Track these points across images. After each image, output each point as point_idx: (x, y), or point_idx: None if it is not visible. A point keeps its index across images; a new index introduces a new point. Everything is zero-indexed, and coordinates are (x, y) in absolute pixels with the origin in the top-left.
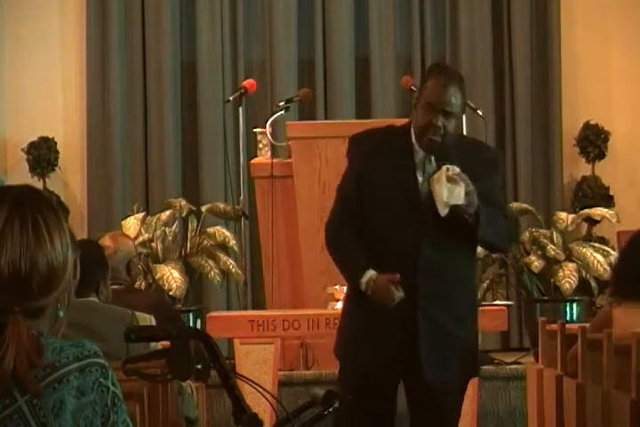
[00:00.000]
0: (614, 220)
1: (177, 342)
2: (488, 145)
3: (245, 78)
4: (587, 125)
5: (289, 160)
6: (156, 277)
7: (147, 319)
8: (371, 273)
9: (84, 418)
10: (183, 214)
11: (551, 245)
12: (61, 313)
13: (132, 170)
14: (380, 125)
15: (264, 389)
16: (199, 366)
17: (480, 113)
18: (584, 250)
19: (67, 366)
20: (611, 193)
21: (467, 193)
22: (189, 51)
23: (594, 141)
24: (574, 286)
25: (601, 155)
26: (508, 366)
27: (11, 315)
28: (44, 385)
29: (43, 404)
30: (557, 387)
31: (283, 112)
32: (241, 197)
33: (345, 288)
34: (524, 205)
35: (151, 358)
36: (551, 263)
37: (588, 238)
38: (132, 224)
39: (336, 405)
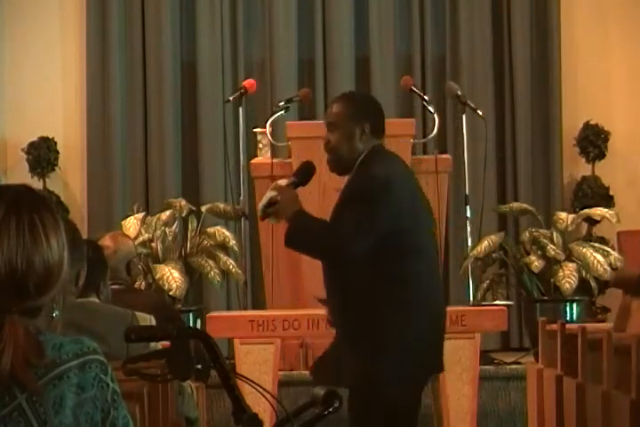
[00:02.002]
0: (614, 220)
1: (177, 342)
2: (367, 174)
3: (245, 78)
4: (587, 125)
5: (289, 160)
6: (156, 277)
7: (147, 319)
8: None
9: (85, 414)
10: (183, 214)
11: (551, 245)
12: (57, 313)
13: (132, 170)
14: None
15: (264, 389)
16: (199, 366)
17: (480, 113)
18: (584, 250)
19: (67, 362)
20: (611, 193)
21: (274, 202)
22: (189, 51)
23: (594, 141)
24: (574, 286)
25: (601, 155)
26: (507, 366)
27: (7, 315)
28: (45, 382)
29: (43, 401)
30: (557, 387)
31: (283, 112)
32: (241, 197)
33: None
34: (524, 205)
35: (151, 358)
36: (551, 263)
37: (588, 238)
38: (131, 224)
39: (336, 405)
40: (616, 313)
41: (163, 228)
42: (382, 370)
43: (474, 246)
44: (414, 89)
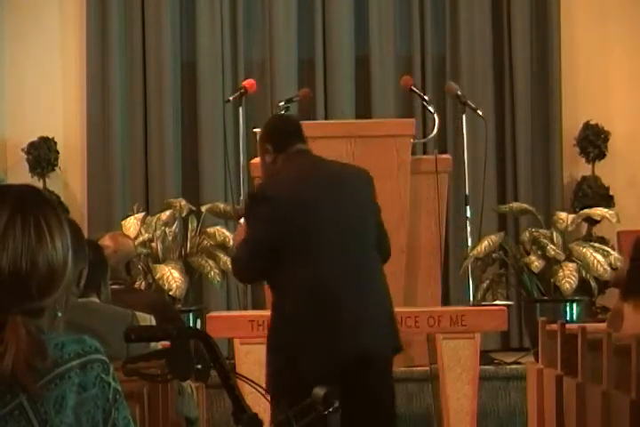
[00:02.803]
0: (614, 220)
1: (177, 342)
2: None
3: (245, 78)
4: (587, 125)
5: None
6: (156, 277)
7: (147, 319)
8: None
9: (86, 413)
10: (183, 214)
11: (551, 245)
12: (59, 314)
13: (132, 170)
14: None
15: (264, 389)
16: (199, 366)
17: (480, 113)
18: (584, 250)
19: (68, 362)
20: (611, 193)
21: None
22: (189, 51)
23: (594, 141)
24: (574, 286)
25: (601, 155)
26: (508, 366)
27: (10, 315)
28: (47, 381)
29: (44, 400)
30: (557, 387)
31: (283, 112)
32: (241, 197)
33: None
34: (524, 205)
35: (151, 358)
36: (551, 263)
37: (588, 238)
38: (132, 224)
39: (336, 405)
40: (609, 314)
41: (163, 228)
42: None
43: (474, 246)
44: (414, 89)
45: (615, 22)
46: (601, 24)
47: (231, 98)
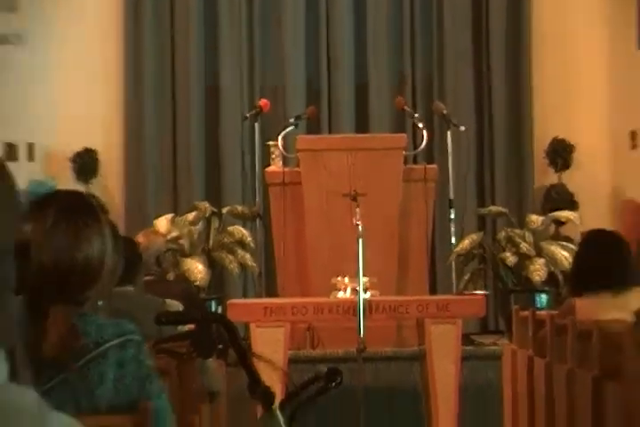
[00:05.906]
0: (578, 222)
1: (201, 326)
2: None
3: (260, 98)
4: (555, 140)
5: (298, 169)
6: (183, 269)
7: (175, 306)
8: None
9: (124, 386)
10: (207, 215)
11: (524, 243)
12: (100, 303)
13: (163, 177)
14: None
15: (276, 365)
16: (220, 346)
17: (462, 129)
18: (552, 247)
19: (108, 342)
20: (575, 199)
21: None
22: (213, 76)
23: (561, 154)
24: (543, 279)
25: (567, 165)
26: (486, 347)
27: (52, 306)
28: (90, 358)
29: (88, 374)
30: (529, 365)
31: (293, 127)
32: (257, 201)
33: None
34: (501, 209)
35: (179, 339)
36: (523, 259)
37: (556, 237)
38: (163, 224)
39: (338, 380)
40: (560, 310)
41: (189, 227)
42: None
43: (457, 244)
44: (406, 108)
45: (582, 48)
46: (568, 49)
47: (248, 115)
